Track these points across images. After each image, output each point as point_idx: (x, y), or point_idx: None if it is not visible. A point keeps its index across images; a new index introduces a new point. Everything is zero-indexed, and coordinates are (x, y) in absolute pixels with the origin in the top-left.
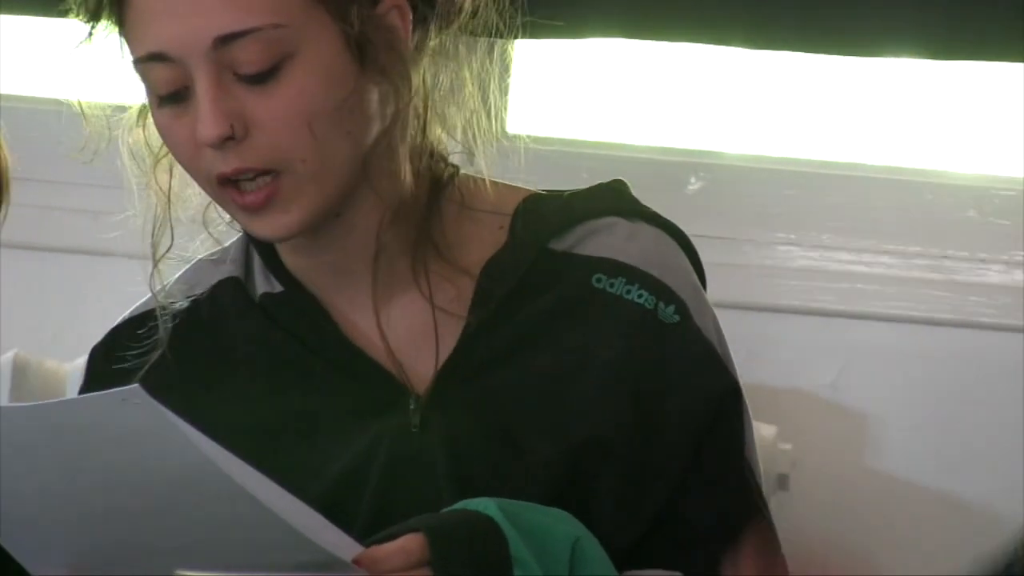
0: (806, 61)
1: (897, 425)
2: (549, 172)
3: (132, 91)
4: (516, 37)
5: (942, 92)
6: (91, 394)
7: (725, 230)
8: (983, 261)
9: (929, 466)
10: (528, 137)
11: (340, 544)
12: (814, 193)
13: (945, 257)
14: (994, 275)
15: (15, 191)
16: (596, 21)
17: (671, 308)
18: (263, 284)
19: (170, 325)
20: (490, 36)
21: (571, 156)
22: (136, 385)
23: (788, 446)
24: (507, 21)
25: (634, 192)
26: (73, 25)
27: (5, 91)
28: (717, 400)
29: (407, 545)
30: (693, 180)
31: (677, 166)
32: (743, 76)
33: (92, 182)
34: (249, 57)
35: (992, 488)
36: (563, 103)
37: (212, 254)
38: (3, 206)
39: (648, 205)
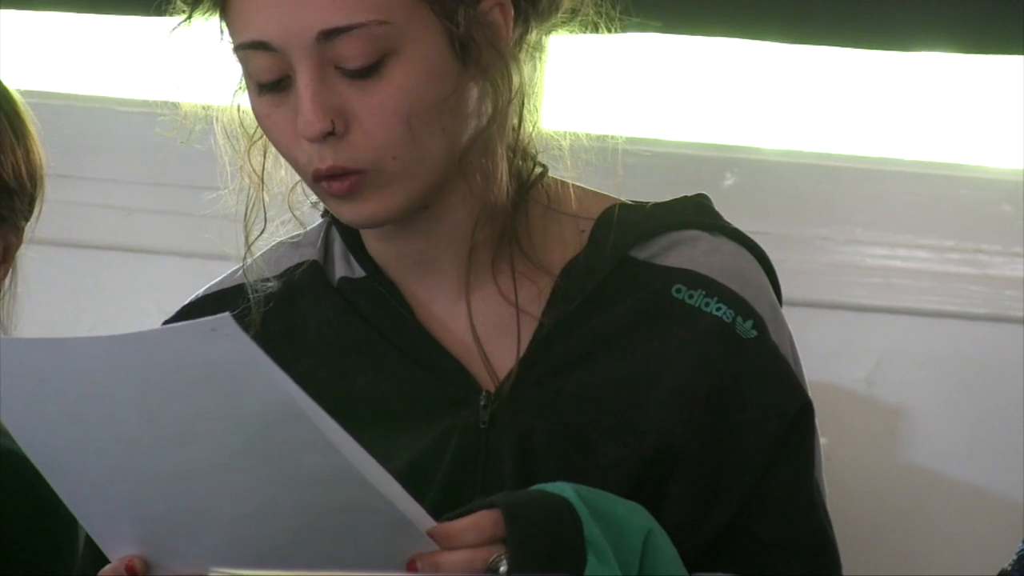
0: (841, 56)
1: (930, 420)
2: (583, 168)
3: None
4: (612, 32)
5: (976, 87)
6: (179, 324)
7: (759, 225)
8: (1017, 255)
9: (962, 460)
10: (569, 133)
11: (415, 514)
12: (848, 188)
13: (979, 251)
14: None
15: (49, 188)
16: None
17: (749, 323)
18: (342, 268)
19: (263, 308)
20: (586, 32)
21: (606, 152)
22: (226, 314)
23: (822, 440)
24: (605, 17)
25: (668, 188)
26: (112, 22)
27: (40, 88)
28: (791, 417)
29: (480, 521)
30: (728, 175)
31: (712, 161)
32: (778, 71)
33: (125, 179)
34: (352, 52)
35: None
36: (598, 98)
37: (292, 237)
38: (38, 203)
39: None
